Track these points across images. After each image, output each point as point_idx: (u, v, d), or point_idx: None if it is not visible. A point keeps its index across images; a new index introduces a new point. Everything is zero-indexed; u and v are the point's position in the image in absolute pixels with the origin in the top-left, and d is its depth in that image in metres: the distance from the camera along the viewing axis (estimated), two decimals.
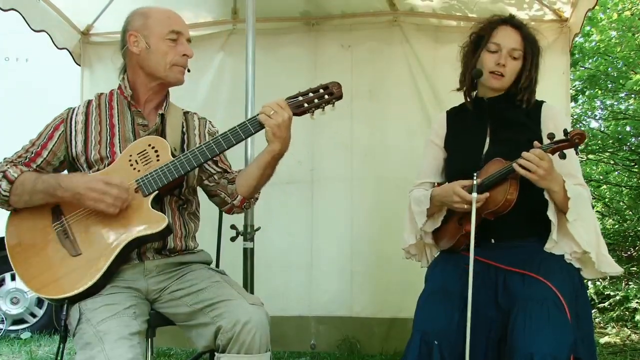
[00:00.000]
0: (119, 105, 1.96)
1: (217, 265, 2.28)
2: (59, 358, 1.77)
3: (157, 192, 1.81)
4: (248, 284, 2.50)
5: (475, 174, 1.87)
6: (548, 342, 1.67)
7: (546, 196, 1.90)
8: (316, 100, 1.85)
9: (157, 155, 1.84)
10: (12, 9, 2.85)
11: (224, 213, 2.25)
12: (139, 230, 1.77)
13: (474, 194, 1.84)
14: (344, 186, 3.55)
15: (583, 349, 1.77)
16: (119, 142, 1.90)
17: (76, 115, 1.94)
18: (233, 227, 2.47)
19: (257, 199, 2.08)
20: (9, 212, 1.86)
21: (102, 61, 3.64)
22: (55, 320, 1.79)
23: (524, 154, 1.81)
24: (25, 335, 4.31)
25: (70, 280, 1.72)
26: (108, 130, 1.91)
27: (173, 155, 1.85)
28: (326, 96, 1.86)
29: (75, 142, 1.90)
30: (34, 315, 4.50)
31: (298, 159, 3.53)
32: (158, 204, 1.86)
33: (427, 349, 1.81)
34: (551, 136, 1.82)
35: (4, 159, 1.90)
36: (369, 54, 3.56)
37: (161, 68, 1.90)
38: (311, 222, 3.56)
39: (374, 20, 3.58)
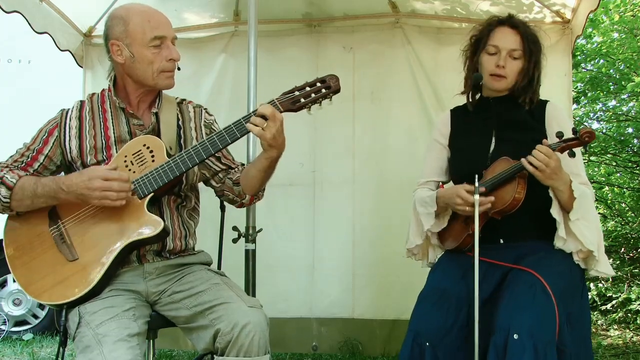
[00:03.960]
0: (111, 108, 1.92)
1: (219, 267, 2.28)
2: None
3: (152, 194, 1.79)
4: (250, 285, 2.50)
5: (477, 176, 1.87)
6: (528, 321, 1.66)
7: (551, 194, 1.90)
8: (313, 95, 1.74)
9: (152, 156, 1.80)
10: (15, 11, 2.86)
11: (225, 214, 2.25)
12: (135, 234, 1.76)
13: (476, 196, 1.82)
14: (345, 188, 3.55)
15: (579, 349, 1.77)
16: (115, 145, 1.87)
17: (69, 120, 1.91)
18: (235, 228, 2.47)
19: (264, 189, 2.02)
20: (6, 215, 1.85)
21: (104, 63, 3.64)
22: (56, 323, 1.79)
23: (535, 151, 1.80)
24: (27, 336, 4.31)
25: (68, 285, 1.73)
26: (102, 135, 1.88)
27: (168, 155, 1.81)
28: (323, 90, 1.75)
29: (70, 148, 1.88)
30: (36, 317, 4.50)
31: (300, 161, 3.53)
32: (155, 204, 1.84)
33: (419, 349, 1.82)
34: (560, 135, 1.82)
35: None
36: (370, 56, 3.56)
37: (149, 76, 1.84)
38: (313, 224, 3.56)
39: (376, 22, 3.58)
